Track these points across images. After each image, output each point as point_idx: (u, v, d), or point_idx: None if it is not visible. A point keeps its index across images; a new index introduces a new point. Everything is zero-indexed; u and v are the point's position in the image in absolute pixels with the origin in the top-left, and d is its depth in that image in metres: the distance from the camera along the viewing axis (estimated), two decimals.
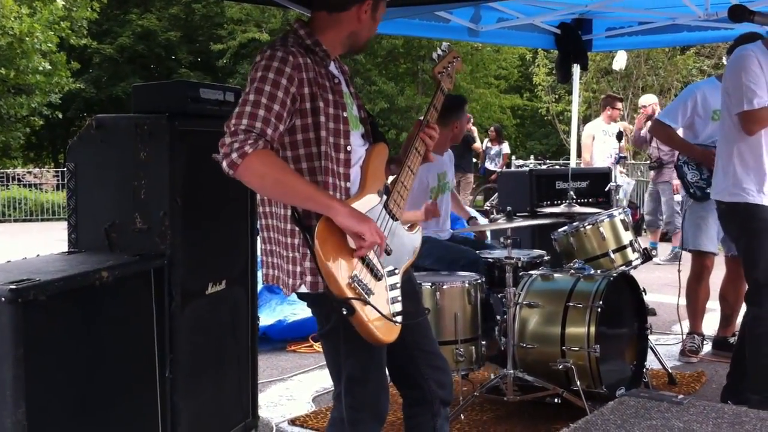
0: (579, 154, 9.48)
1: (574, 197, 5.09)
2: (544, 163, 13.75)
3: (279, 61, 2.40)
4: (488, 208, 12.74)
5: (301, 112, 2.45)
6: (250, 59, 23.87)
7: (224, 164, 2.31)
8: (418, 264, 4.53)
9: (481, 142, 14.58)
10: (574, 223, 4.69)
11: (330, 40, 2.57)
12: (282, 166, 2.38)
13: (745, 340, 3.89)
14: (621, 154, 6.42)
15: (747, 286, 3.95)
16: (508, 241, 4.18)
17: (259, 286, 5.79)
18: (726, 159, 3.86)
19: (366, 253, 2.40)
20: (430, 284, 4.06)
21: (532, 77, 23.73)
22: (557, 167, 7.80)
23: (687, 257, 5.35)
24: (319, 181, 2.46)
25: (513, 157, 14.79)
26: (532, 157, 15.99)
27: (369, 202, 2.53)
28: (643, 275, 8.00)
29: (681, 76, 20.68)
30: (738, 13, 3.07)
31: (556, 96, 22.39)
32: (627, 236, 4.67)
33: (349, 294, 2.35)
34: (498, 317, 4.21)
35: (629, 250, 4.66)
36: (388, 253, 2.53)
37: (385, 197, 2.60)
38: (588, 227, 4.63)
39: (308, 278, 2.47)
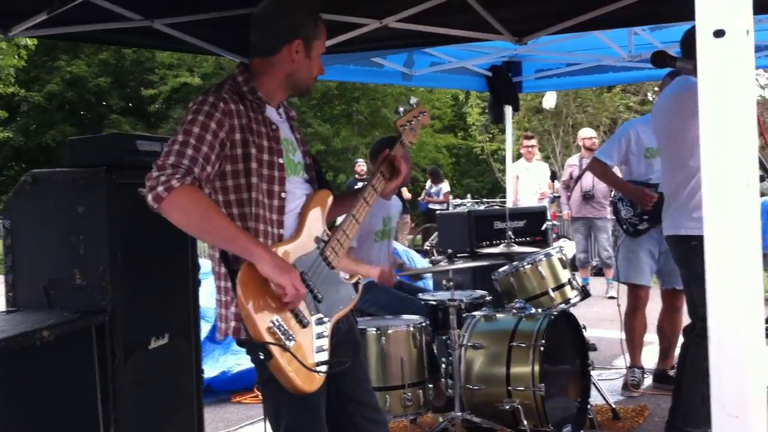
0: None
1: (513, 237, 5.17)
2: (481, 202, 13.92)
3: (210, 105, 2.41)
4: (428, 247, 12.85)
5: (231, 157, 2.44)
6: (183, 104, 23.83)
7: (149, 197, 2.28)
8: (363, 310, 4.57)
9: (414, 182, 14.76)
10: (514, 263, 4.77)
11: (268, 84, 2.59)
12: (208, 204, 2.36)
13: (685, 373, 3.95)
14: (555, 194, 6.55)
15: (698, 321, 3.93)
16: (450, 283, 4.22)
17: (201, 337, 5.72)
18: (683, 190, 3.86)
19: (287, 303, 2.38)
20: (375, 329, 4.07)
21: (466, 117, 24.15)
22: (495, 207, 7.91)
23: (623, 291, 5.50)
24: (249, 228, 2.45)
25: (451, 196, 14.96)
26: (468, 195, 16.21)
27: (301, 248, 2.52)
28: (582, 311, 8.11)
29: (609, 113, 21.30)
30: (660, 60, 3.20)
31: (490, 135, 22.82)
32: (565, 274, 4.76)
33: (268, 338, 2.32)
34: (443, 360, 4.23)
35: (568, 287, 4.76)
36: (319, 301, 2.51)
37: (323, 243, 2.60)
38: (527, 267, 4.70)
39: (233, 323, 2.46)
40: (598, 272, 10.59)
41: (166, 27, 4.47)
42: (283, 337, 2.35)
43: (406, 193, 13.45)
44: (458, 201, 15.07)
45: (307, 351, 2.43)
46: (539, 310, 4.43)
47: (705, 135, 1.19)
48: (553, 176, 6.46)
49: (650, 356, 5.81)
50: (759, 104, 19.50)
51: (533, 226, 6.49)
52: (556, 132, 20.76)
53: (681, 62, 3.22)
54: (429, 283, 6.47)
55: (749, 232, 1.24)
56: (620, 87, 20.51)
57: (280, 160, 2.54)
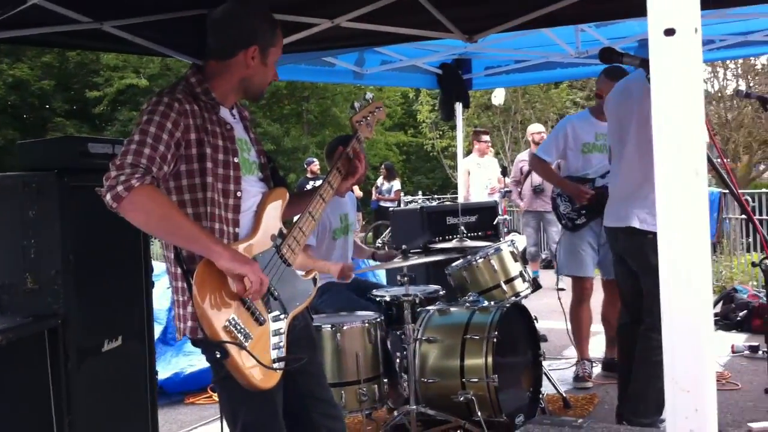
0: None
1: (465, 232, 5.24)
2: (433, 198, 14.00)
3: (164, 105, 2.42)
4: (380, 245, 12.89)
5: (186, 157, 2.46)
6: (129, 106, 23.55)
7: (108, 197, 2.28)
8: (319, 309, 4.60)
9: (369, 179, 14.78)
10: (467, 258, 4.84)
11: (221, 87, 2.61)
12: (169, 203, 2.38)
13: (637, 369, 4.00)
14: (506, 189, 6.64)
15: (648, 316, 3.93)
16: (405, 278, 4.27)
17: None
18: (650, 185, 3.86)
19: (247, 295, 2.39)
20: (330, 326, 4.10)
21: (416, 114, 24.26)
22: (447, 203, 7.99)
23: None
24: (205, 227, 2.46)
25: (402, 193, 15.02)
26: (420, 192, 16.31)
27: (258, 246, 2.55)
28: (533, 303, 8.21)
29: (556, 108, 21.60)
30: (608, 56, 3.28)
31: (440, 132, 22.96)
32: (516, 267, 4.84)
33: (224, 337, 2.33)
34: (398, 354, 4.28)
35: (519, 280, 4.84)
36: (276, 298, 2.54)
37: (279, 241, 2.62)
38: (479, 261, 4.77)
39: (189, 323, 2.47)
40: (548, 265, 10.76)
41: (116, 29, 4.42)
42: (239, 335, 2.37)
43: (357, 191, 13.46)
44: (409, 198, 15.14)
45: (263, 348, 2.45)
46: (492, 303, 4.50)
47: (657, 129, 1.23)
48: (504, 171, 6.57)
49: (598, 345, 5.94)
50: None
51: (485, 220, 6.58)
52: (505, 128, 20.99)
53: (628, 58, 3.30)
54: (383, 279, 6.51)
55: (699, 219, 1.29)
56: (567, 83, 20.86)
57: (236, 159, 2.56)
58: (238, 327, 2.37)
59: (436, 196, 15.37)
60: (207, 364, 2.57)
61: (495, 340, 4.08)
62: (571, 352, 6.22)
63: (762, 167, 21.37)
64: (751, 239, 9.30)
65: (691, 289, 1.32)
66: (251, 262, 2.41)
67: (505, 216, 6.11)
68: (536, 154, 5.58)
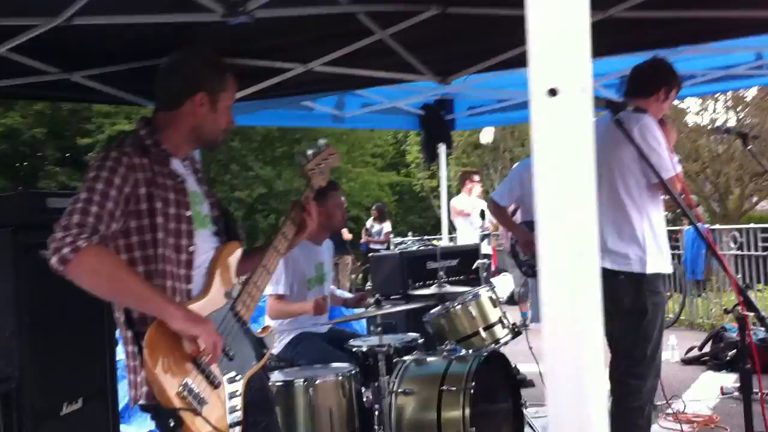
0: (451, 230, 9.68)
1: (444, 277, 5.14)
2: (422, 240, 13.90)
3: (113, 161, 2.35)
4: (369, 288, 12.74)
5: (136, 213, 2.38)
6: None
7: (54, 260, 2.19)
8: (293, 362, 4.48)
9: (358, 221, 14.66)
10: (445, 304, 4.73)
11: (172, 137, 2.54)
12: (118, 263, 2.30)
13: (614, 412, 3.90)
14: (485, 232, 6.56)
15: (624, 360, 3.86)
16: (379, 329, 4.16)
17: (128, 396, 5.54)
18: (629, 227, 3.78)
19: (201, 357, 2.30)
20: (302, 380, 3.97)
21: (406, 154, 24.29)
22: (430, 247, 7.91)
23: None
24: (156, 285, 2.37)
25: (392, 235, 14.92)
26: (410, 233, 16.21)
27: (211, 304, 2.46)
28: (521, 346, 8.16)
29: None
30: None
31: (430, 172, 22.96)
32: (495, 313, 4.74)
33: (178, 404, 2.23)
34: (376, 406, 4.15)
35: (498, 327, 4.72)
36: (231, 359, 2.44)
37: (233, 298, 2.53)
38: (457, 307, 4.67)
39: (144, 388, 2.35)
40: None
41: (85, 79, 4.38)
42: (194, 401, 2.27)
43: (347, 234, 13.38)
44: (399, 239, 15.03)
45: (219, 413, 2.36)
46: (470, 352, 4.38)
47: (540, 200, 1.11)
48: (482, 214, 6.50)
49: None
50: (693, 130, 20.00)
51: (467, 264, 6.48)
52: (494, 166, 21.00)
53: (593, 100, 3.23)
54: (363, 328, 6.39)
55: (588, 305, 1.16)
56: None
57: (188, 213, 2.48)
58: (193, 392, 2.28)
59: (426, 237, 15.23)
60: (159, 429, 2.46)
61: (472, 390, 3.96)
62: None
63: (754, 199, 21.35)
64: (740, 275, 9.20)
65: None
66: (205, 322, 2.33)
67: (485, 260, 5.99)
68: (492, 197, 5.50)
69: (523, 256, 5.24)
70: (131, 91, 4.71)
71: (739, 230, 9.49)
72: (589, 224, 1.13)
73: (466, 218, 9.54)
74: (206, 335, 2.28)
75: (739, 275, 9.22)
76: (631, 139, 3.17)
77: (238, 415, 2.41)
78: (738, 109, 20.38)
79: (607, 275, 3.82)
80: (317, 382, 3.98)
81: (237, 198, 23.16)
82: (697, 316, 9.52)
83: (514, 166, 5.80)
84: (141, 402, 2.38)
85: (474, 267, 5.78)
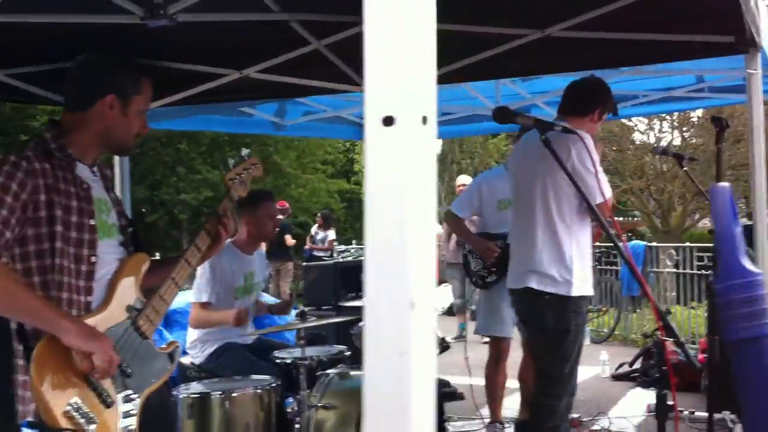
0: None
1: None
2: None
3: (11, 165, 2.25)
4: (290, 294, 12.65)
5: (35, 220, 2.27)
6: None
7: None
8: (216, 373, 4.37)
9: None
10: None
11: (79, 141, 2.44)
12: (6, 274, 2.18)
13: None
14: None
15: (541, 379, 3.89)
16: (302, 341, 4.09)
17: None
18: (557, 249, 3.76)
19: (93, 374, 2.21)
20: (219, 393, 3.86)
21: (355, 162, 24.27)
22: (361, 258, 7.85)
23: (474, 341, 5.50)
24: (53, 297, 2.27)
25: (335, 243, 14.83)
26: (354, 242, 16.15)
27: (111, 318, 2.36)
28: (455, 357, 8.15)
29: (497, 157, 21.77)
30: (501, 116, 3.20)
31: None
32: None
33: (63, 424, 2.13)
34: (297, 419, 4.08)
35: None
36: (128, 376, 2.34)
37: (136, 312, 2.44)
38: None
39: (32, 405, 2.24)
40: (474, 317, 10.67)
41: (9, 78, 4.24)
42: (83, 420, 2.17)
43: (290, 240, 13.27)
44: (343, 247, 14.96)
45: None
46: None
47: (369, 240, 0.97)
48: None
49: (515, 404, 5.81)
50: (639, 148, 20.32)
51: None
52: (442, 177, 21.06)
53: (521, 118, 3.23)
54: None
55: (418, 355, 0.96)
56: (505, 133, 21.04)
57: (91, 222, 2.38)
58: (81, 411, 2.17)
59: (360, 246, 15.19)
60: None
61: None
62: (487, 411, 6.08)
63: (697, 216, 21.75)
64: (674, 293, 9.34)
65: None
66: (101, 338, 2.22)
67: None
68: (449, 209, 5.52)
69: (474, 266, 5.22)
70: (59, 92, 4.57)
71: (677, 248, 9.62)
72: (426, 270, 0.97)
73: None
74: (100, 352, 2.18)
75: (674, 293, 9.36)
76: (559, 161, 3.15)
77: None
78: (684, 129, 20.75)
79: (534, 295, 3.83)
80: (234, 394, 3.87)
81: (183, 200, 22.86)
82: (631, 332, 9.63)
83: (474, 179, 5.81)
84: (29, 419, 2.27)
85: None
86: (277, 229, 5.67)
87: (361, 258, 7.97)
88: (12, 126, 24.35)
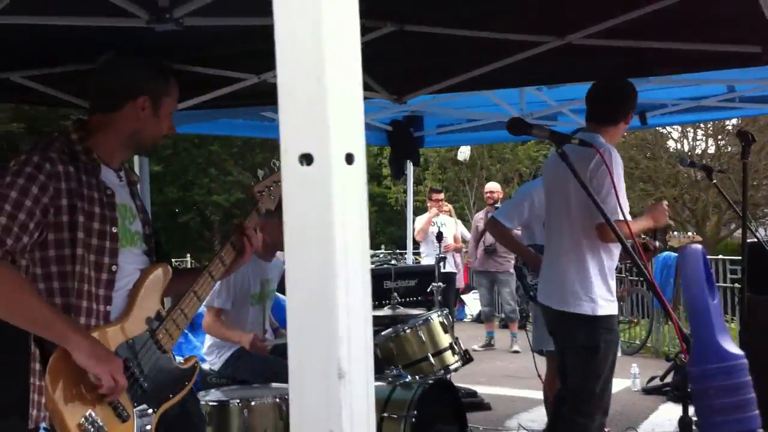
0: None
1: (398, 298, 5.00)
2: (393, 253, 13.75)
3: (33, 166, 2.18)
4: None
5: (56, 225, 2.21)
6: None
7: None
8: (234, 377, 4.32)
9: None
10: (396, 327, 4.60)
11: (107, 143, 2.38)
12: (20, 284, 2.13)
13: None
14: (442, 254, 6.44)
15: (572, 396, 3.76)
16: None
17: None
18: (582, 268, 3.65)
19: (106, 395, 2.16)
20: (237, 401, 3.82)
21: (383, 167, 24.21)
22: (392, 264, 7.81)
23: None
24: (71, 304, 2.22)
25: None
26: (383, 246, 16.10)
27: (130, 330, 2.31)
28: (483, 366, 8.07)
29: (527, 163, 21.57)
30: (516, 127, 3.10)
31: (405, 186, 22.83)
32: (446, 339, 4.62)
33: None
34: None
35: (449, 353, 4.60)
36: (144, 390, 2.30)
37: (155, 324, 2.39)
38: (407, 331, 4.54)
39: (47, 412, 2.20)
40: (505, 325, 10.54)
41: (24, 80, 4.23)
42: None
43: None
44: (371, 252, 14.89)
45: None
46: (417, 378, 4.25)
47: (290, 296, 0.84)
48: (439, 236, 6.40)
49: (541, 416, 5.69)
50: (672, 156, 20.02)
51: (426, 285, 6.35)
52: (471, 184, 20.92)
53: (537, 130, 3.12)
54: None
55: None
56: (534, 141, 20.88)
57: (113, 230, 2.32)
58: (96, 425, 2.13)
59: (399, 251, 15.09)
60: None
61: (414, 419, 3.83)
62: (513, 423, 5.98)
63: (732, 226, 21.38)
64: None
65: None
66: (110, 361, 2.17)
67: (440, 284, 5.83)
68: (495, 217, 5.08)
69: (531, 279, 4.84)
70: (73, 93, 4.55)
71: (710, 261, 9.40)
72: (359, 330, 0.85)
73: (427, 237, 9.42)
74: (109, 376, 2.14)
75: None
76: (576, 176, 3.00)
77: None
78: (719, 138, 20.42)
79: (559, 314, 3.73)
80: (253, 403, 3.83)
81: (214, 201, 23.00)
82: (663, 344, 9.43)
83: (522, 187, 5.51)
84: (43, 425, 2.24)
85: (428, 290, 5.65)
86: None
87: (386, 265, 7.94)
88: (47, 124, 24.68)
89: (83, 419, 2.11)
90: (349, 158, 0.85)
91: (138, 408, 2.28)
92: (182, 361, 2.51)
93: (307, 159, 0.84)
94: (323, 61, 0.83)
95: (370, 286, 0.90)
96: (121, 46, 3.66)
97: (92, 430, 2.12)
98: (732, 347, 2.48)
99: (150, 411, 2.32)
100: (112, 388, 2.14)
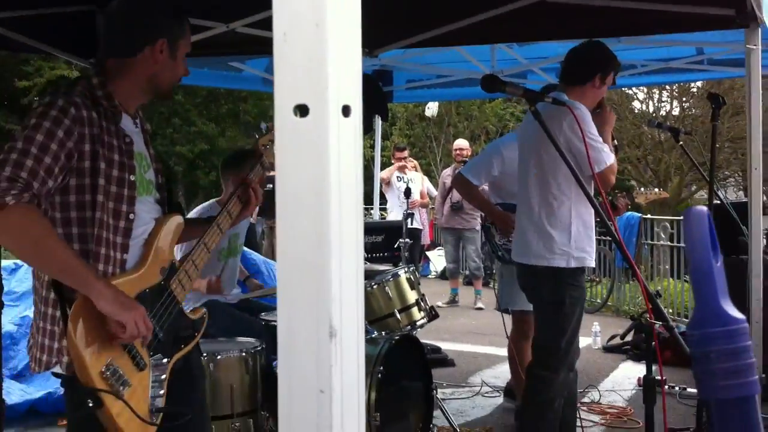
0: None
1: (365, 254, 4.97)
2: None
3: (58, 110, 2.15)
4: None
5: (78, 170, 2.19)
6: None
7: None
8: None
9: None
10: (364, 281, 4.57)
11: (126, 88, 2.35)
12: (45, 227, 2.11)
13: (523, 404, 3.89)
14: (409, 210, 6.41)
15: (537, 350, 3.84)
16: None
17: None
18: (554, 220, 3.67)
19: (125, 340, 2.17)
20: (204, 355, 3.80)
21: None
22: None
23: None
24: (89, 250, 2.21)
25: None
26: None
27: (146, 280, 2.31)
28: (448, 323, 8.14)
29: (494, 120, 21.58)
30: (490, 84, 3.07)
31: (372, 141, 22.76)
32: (413, 295, 4.62)
33: (100, 384, 2.10)
34: None
35: (415, 309, 4.61)
36: (159, 341, 2.31)
37: (170, 275, 2.40)
38: (374, 287, 4.54)
39: (65, 358, 2.18)
40: (469, 282, 10.62)
41: None
42: (117, 382, 2.14)
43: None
44: None
45: (142, 397, 2.24)
46: (383, 334, 4.26)
47: (281, 254, 0.81)
48: (407, 193, 6.39)
49: (505, 373, 5.77)
50: (638, 116, 20.16)
51: (391, 240, 6.33)
52: (438, 140, 20.90)
53: (510, 87, 3.10)
54: None
55: (340, 393, 0.83)
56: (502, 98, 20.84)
57: (132, 177, 2.30)
58: (117, 374, 2.15)
59: (365, 206, 15.10)
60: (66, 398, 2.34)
61: (380, 375, 3.84)
62: (477, 379, 6.05)
63: (694, 188, 21.69)
64: (668, 266, 9.26)
65: None
66: (135, 307, 2.17)
67: (407, 240, 5.80)
68: (463, 174, 4.90)
69: (499, 239, 4.75)
70: (35, 38, 4.41)
71: (671, 221, 9.53)
72: (352, 289, 0.83)
73: (393, 192, 9.41)
74: (133, 323, 2.14)
75: (668, 266, 9.28)
76: (548, 133, 3.00)
77: (161, 401, 2.30)
78: (684, 100, 20.59)
79: (529, 267, 3.78)
80: (218, 357, 3.82)
81: (178, 152, 22.73)
82: (624, 303, 9.59)
83: (491, 143, 5.37)
84: (56, 370, 2.23)
85: (395, 246, 5.64)
86: (270, 186, 5.56)
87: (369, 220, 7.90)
88: (6, 71, 24.12)
89: (104, 367, 2.13)
90: (346, 110, 0.82)
91: (153, 357, 2.30)
92: (190, 312, 2.53)
93: (302, 110, 0.80)
94: (323, 5, 0.79)
95: (362, 245, 0.87)
96: None
97: (113, 379, 2.13)
98: (734, 311, 2.45)
99: (165, 360, 2.35)
100: (136, 334, 2.16)
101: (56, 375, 2.28)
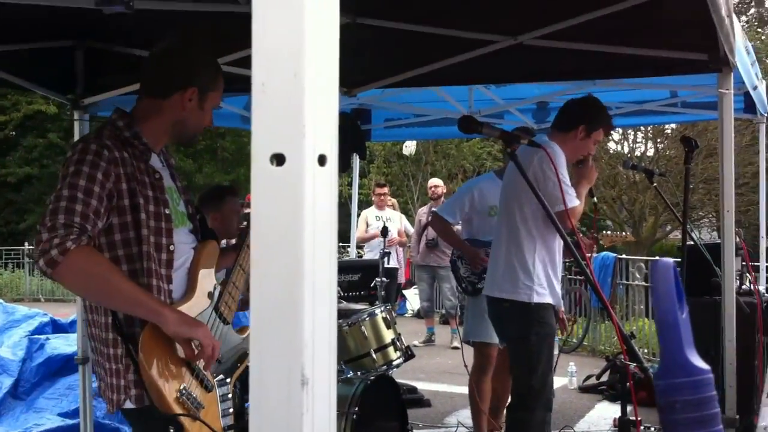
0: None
1: (341, 292, 4.97)
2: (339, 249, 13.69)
3: (93, 154, 2.23)
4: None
5: (119, 209, 2.27)
6: (36, 131, 22.74)
7: (41, 263, 2.07)
8: None
9: None
10: (340, 320, 4.56)
11: (154, 128, 2.41)
12: (108, 265, 2.19)
13: None
14: (386, 250, 6.42)
15: (514, 390, 3.85)
16: None
17: (1, 392, 5.20)
18: (520, 256, 3.74)
19: (197, 359, 2.26)
20: None
21: None
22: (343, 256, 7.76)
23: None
24: (142, 284, 2.26)
25: None
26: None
27: (198, 306, 2.39)
28: (423, 362, 8.10)
29: (472, 159, 21.72)
30: (466, 125, 3.11)
31: (350, 179, 22.83)
32: (389, 334, 4.59)
33: (178, 410, 2.18)
34: None
35: (391, 348, 4.58)
36: (219, 362, 2.39)
37: (216, 298, 2.48)
38: (351, 326, 4.51)
39: (133, 392, 2.24)
40: (446, 321, 10.59)
41: None
42: (192, 405, 2.22)
43: None
44: None
45: (214, 417, 2.35)
46: (358, 374, 4.24)
47: (255, 300, 0.80)
48: (384, 231, 6.41)
49: None
50: (613, 157, 20.38)
51: (368, 279, 6.31)
52: (415, 179, 20.99)
53: (487, 129, 3.14)
54: None
55: None
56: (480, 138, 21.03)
57: (167, 211, 2.38)
58: (191, 397, 2.23)
59: (341, 245, 15.07)
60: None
61: (355, 416, 3.82)
62: (453, 420, 6.01)
63: (668, 228, 21.87)
64: (643, 306, 9.31)
65: None
66: (201, 325, 2.27)
67: (384, 279, 5.82)
68: (438, 212, 5.31)
69: (464, 271, 5.05)
70: (12, 72, 4.38)
71: (646, 261, 9.60)
72: (324, 336, 0.82)
73: (373, 229, 9.43)
74: (204, 338, 2.23)
75: (643, 306, 9.33)
76: (521, 170, 3.08)
77: (230, 418, 2.44)
78: (658, 141, 20.86)
79: (496, 303, 3.82)
80: None
81: None
82: (600, 343, 9.60)
83: (465, 183, 5.65)
84: (126, 406, 2.27)
85: (372, 285, 5.63)
86: (245, 223, 5.53)
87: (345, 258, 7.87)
88: None
89: (178, 393, 2.21)
90: (322, 160, 0.82)
91: (217, 378, 2.41)
92: (238, 330, 2.62)
93: (278, 159, 0.80)
94: (302, 55, 0.79)
95: (335, 291, 0.86)
96: (64, 27, 3.57)
97: (188, 401, 2.22)
98: (699, 362, 2.49)
99: (227, 380, 2.47)
100: (209, 347, 2.23)
101: (126, 414, 2.35)
